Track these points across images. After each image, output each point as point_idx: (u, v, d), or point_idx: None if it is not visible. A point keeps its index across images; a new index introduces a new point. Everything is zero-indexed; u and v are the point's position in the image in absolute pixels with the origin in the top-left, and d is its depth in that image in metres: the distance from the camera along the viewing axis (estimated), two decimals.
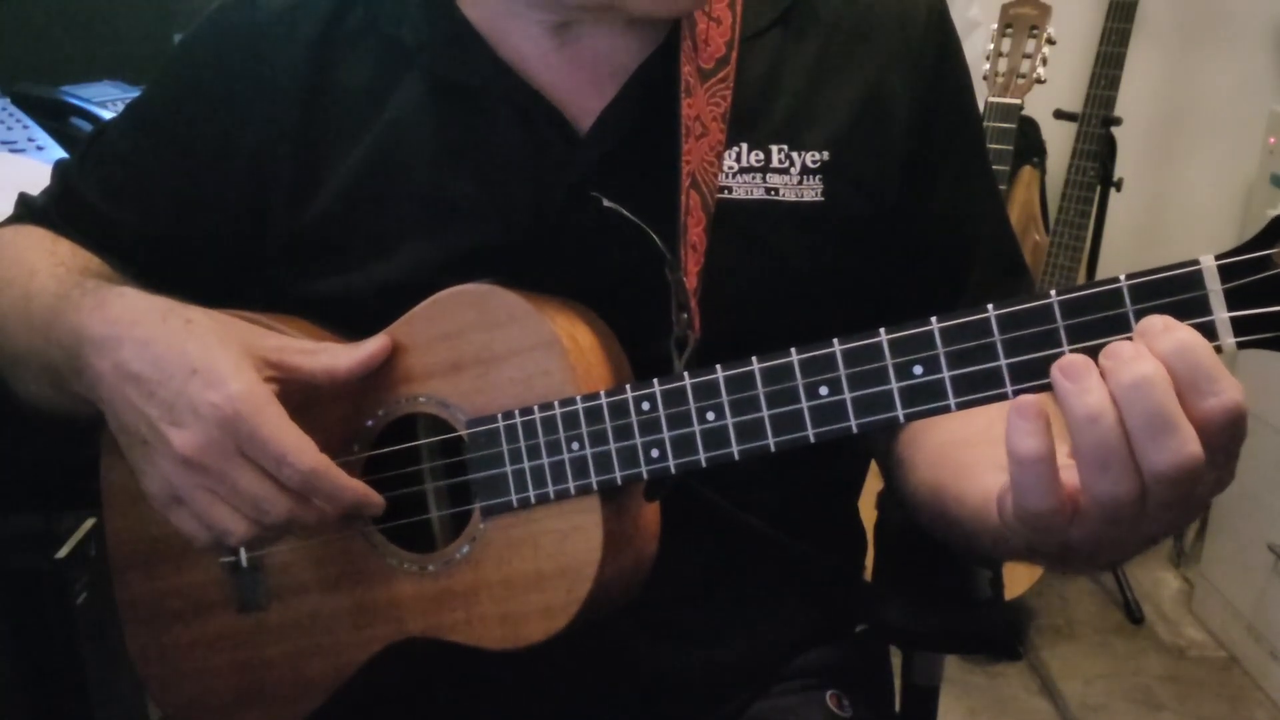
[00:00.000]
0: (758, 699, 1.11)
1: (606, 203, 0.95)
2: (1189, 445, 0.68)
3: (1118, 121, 2.78)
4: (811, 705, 1.11)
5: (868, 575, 1.28)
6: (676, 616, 1.05)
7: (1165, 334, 0.69)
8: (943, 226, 1.07)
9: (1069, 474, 0.72)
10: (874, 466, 1.21)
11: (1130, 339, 0.71)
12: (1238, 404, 0.69)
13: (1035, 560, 0.84)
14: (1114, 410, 0.69)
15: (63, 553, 1.51)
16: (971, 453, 0.94)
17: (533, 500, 0.92)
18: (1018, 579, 2.70)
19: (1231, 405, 0.69)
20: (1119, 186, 2.86)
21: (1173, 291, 0.71)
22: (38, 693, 1.54)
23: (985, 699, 2.65)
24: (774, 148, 1.00)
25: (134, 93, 2.07)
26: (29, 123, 1.87)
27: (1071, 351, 0.73)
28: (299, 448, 0.89)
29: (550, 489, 0.91)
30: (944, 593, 1.20)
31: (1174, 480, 0.69)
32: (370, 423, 0.98)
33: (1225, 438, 0.70)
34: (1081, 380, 0.70)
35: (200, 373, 0.89)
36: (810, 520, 1.11)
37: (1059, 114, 2.90)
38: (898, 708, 1.26)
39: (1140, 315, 0.72)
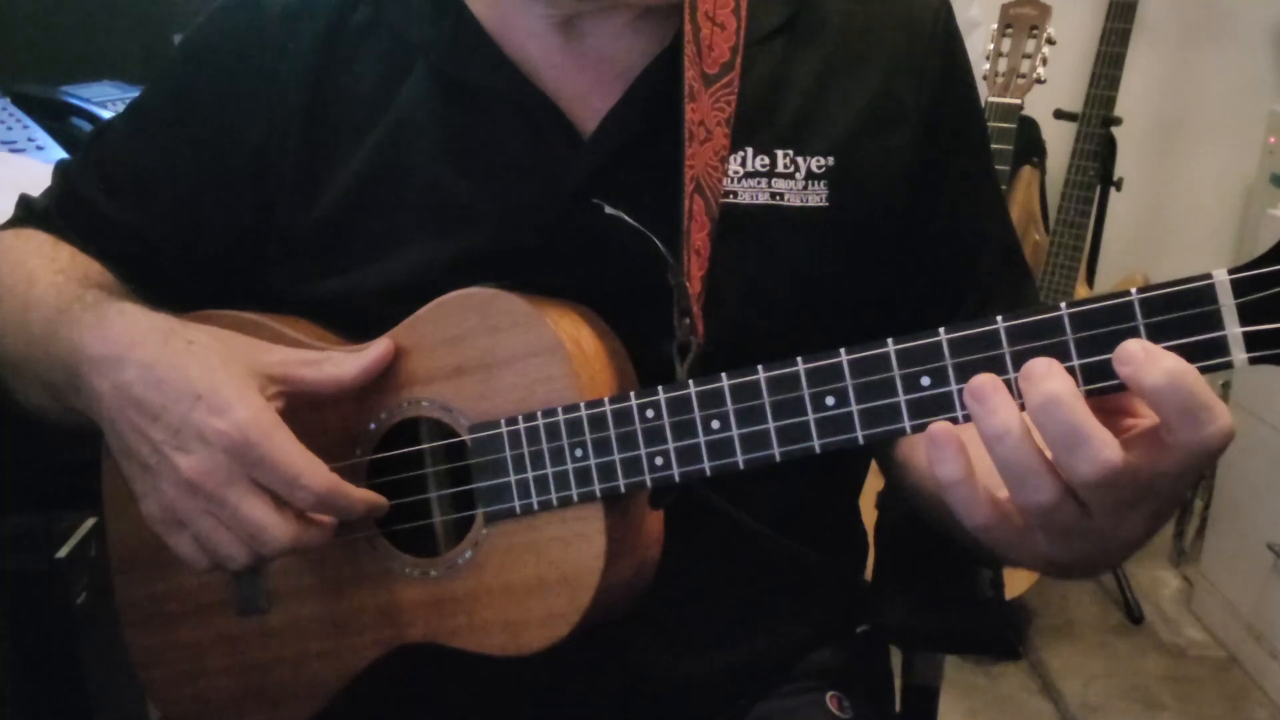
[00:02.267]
0: (759, 701, 1.11)
1: (609, 209, 0.94)
2: (1105, 451, 0.69)
3: (1118, 121, 2.78)
4: (812, 707, 1.11)
5: (868, 575, 1.28)
6: (678, 619, 1.05)
7: (1151, 363, 0.69)
8: (949, 231, 1.07)
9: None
10: (874, 466, 1.21)
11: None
12: (1230, 426, 0.70)
13: (1032, 568, 0.85)
14: (1019, 426, 0.71)
15: (63, 553, 1.50)
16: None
17: (536, 507, 0.92)
18: (1018, 579, 2.70)
19: (1227, 427, 0.70)
20: (1119, 186, 2.87)
21: (1185, 306, 0.70)
22: (38, 693, 1.53)
23: (985, 699, 2.65)
24: (779, 153, 1.00)
25: (134, 93, 2.07)
26: (29, 123, 1.87)
27: (1081, 365, 0.73)
28: (312, 470, 0.89)
29: (553, 496, 0.91)
30: (944, 593, 1.20)
31: (1102, 484, 0.70)
32: (373, 426, 0.98)
33: (1215, 453, 0.71)
34: (987, 402, 0.72)
35: (205, 398, 0.89)
36: (811, 521, 1.11)
37: (1059, 114, 2.90)
38: (898, 708, 1.26)
39: (1151, 329, 0.71)
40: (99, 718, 1.57)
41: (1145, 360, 0.69)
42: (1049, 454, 0.72)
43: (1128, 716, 2.62)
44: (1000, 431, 0.71)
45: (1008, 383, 0.74)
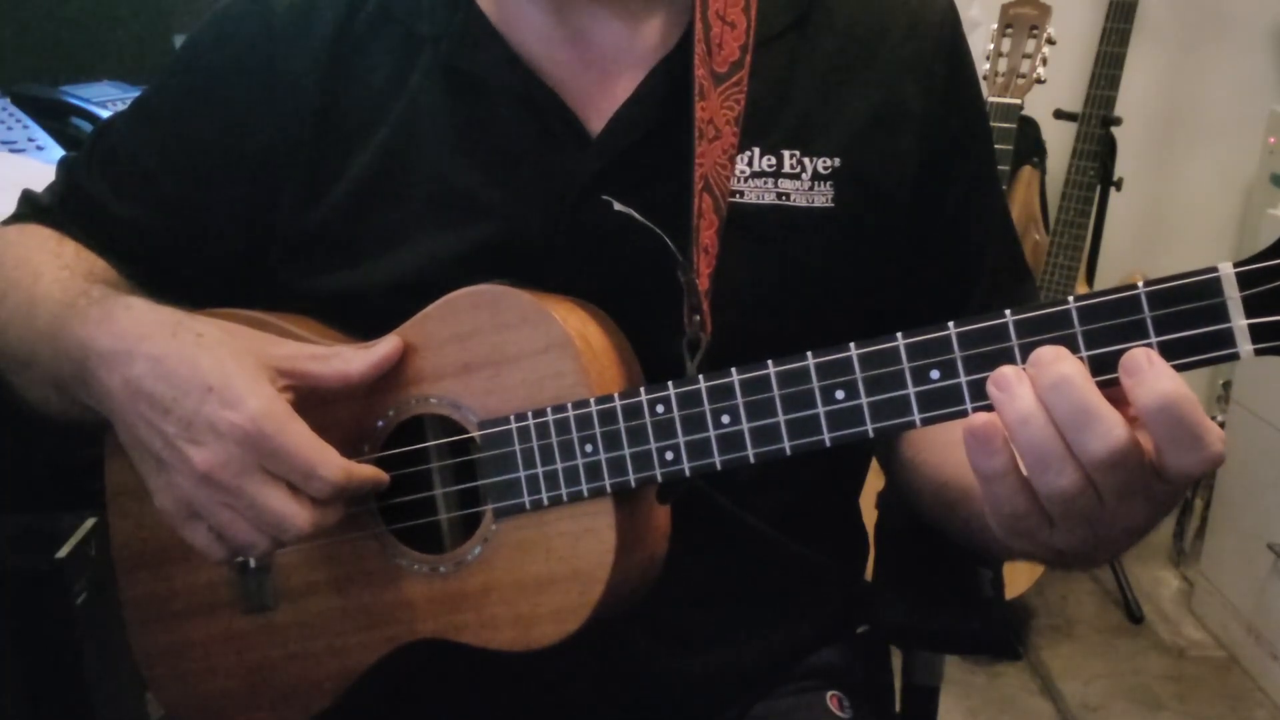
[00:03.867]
0: (759, 701, 1.11)
1: (618, 206, 0.95)
2: (1115, 429, 0.71)
3: (1118, 121, 2.78)
4: (813, 707, 1.11)
5: (868, 575, 1.28)
6: (679, 619, 1.05)
7: (1149, 381, 0.71)
8: (952, 232, 1.08)
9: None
10: (874, 466, 1.21)
11: (1146, 346, 0.73)
12: (1218, 454, 0.72)
13: (1036, 560, 0.86)
14: (1042, 412, 0.73)
15: (63, 553, 1.50)
16: None
17: (545, 502, 0.92)
18: (1018, 579, 2.70)
19: (1213, 457, 0.72)
20: (1119, 186, 2.87)
21: (1190, 298, 0.71)
22: (38, 693, 1.53)
23: (985, 699, 2.65)
24: (786, 153, 1.00)
25: (134, 93, 2.07)
26: (29, 123, 1.87)
27: (1089, 357, 0.74)
28: (326, 460, 0.89)
29: (563, 491, 0.91)
30: (944, 593, 1.20)
31: (1112, 465, 0.72)
32: (381, 423, 0.98)
33: (1199, 477, 0.74)
34: (1011, 389, 0.74)
35: (216, 390, 0.89)
36: (813, 520, 1.11)
37: (1059, 114, 2.90)
38: (898, 708, 1.26)
39: (1157, 322, 0.72)
40: (99, 718, 1.57)
41: (1146, 375, 0.71)
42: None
43: (1128, 716, 2.62)
44: (1025, 415, 0.73)
45: None
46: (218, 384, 0.89)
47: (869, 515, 1.24)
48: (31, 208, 1.16)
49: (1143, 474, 0.73)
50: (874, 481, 1.20)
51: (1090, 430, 0.72)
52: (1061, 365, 0.72)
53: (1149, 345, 0.72)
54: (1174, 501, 0.77)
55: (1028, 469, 0.74)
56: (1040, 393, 0.73)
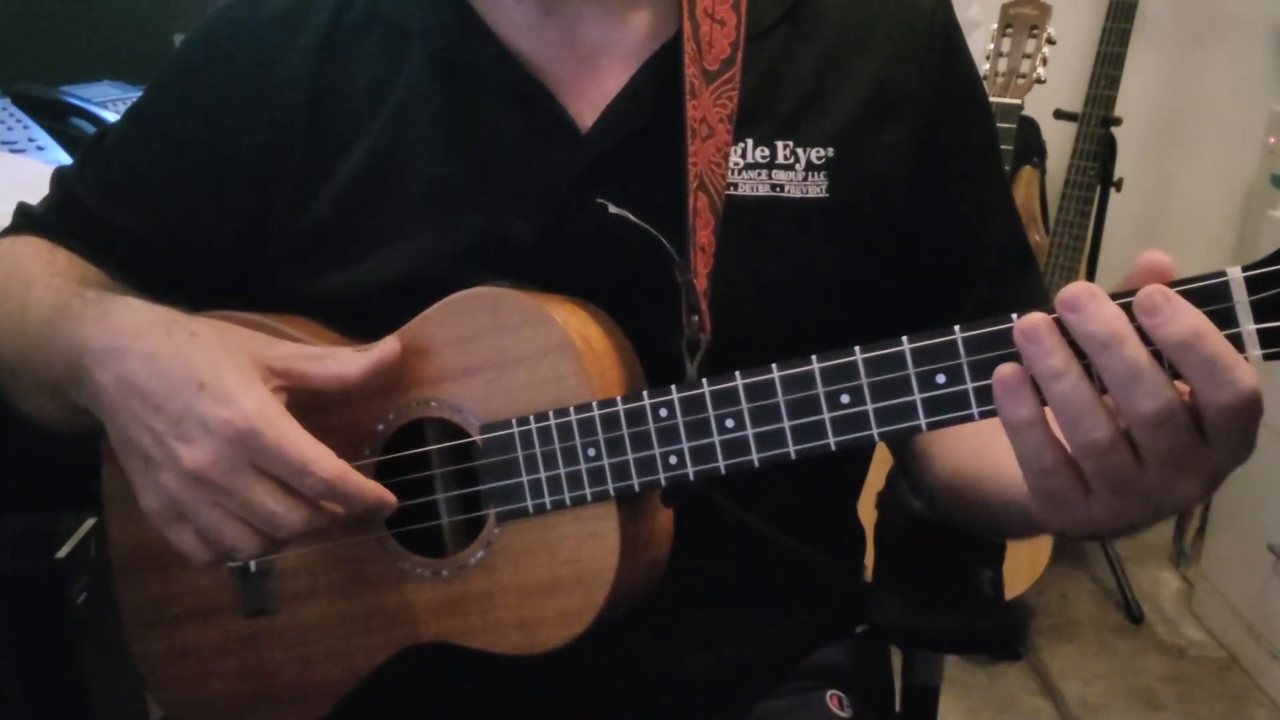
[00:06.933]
0: (759, 701, 1.11)
1: (613, 209, 0.94)
2: (1165, 389, 0.70)
3: (1118, 121, 2.78)
4: (812, 706, 1.11)
5: (868, 575, 1.28)
6: (679, 618, 1.05)
7: (1172, 316, 0.70)
8: (952, 222, 1.07)
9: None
10: (874, 465, 1.20)
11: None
12: (1250, 389, 0.70)
13: (1071, 536, 0.84)
14: (1076, 364, 0.72)
15: (63, 553, 1.51)
16: (987, 435, 0.94)
17: (548, 506, 0.91)
18: (1018, 579, 2.70)
19: (1247, 390, 0.70)
20: (1119, 186, 2.87)
21: (1199, 303, 0.71)
22: (38, 693, 1.53)
23: (985, 699, 2.65)
24: (779, 144, 1.00)
25: (134, 93, 2.07)
26: (29, 123, 1.87)
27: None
28: (319, 456, 0.88)
29: (566, 495, 0.91)
30: (944, 593, 1.20)
31: (1160, 424, 0.71)
32: (381, 427, 0.97)
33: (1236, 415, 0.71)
34: (1043, 342, 0.72)
35: (208, 387, 0.88)
36: (811, 521, 1.11)
37: (1059, 114, 2.90)
38: (898, 708, 1.26)
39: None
40: (99, 717, 1.57)
41: (1166, 312, 0.70)
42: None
43: (1128, 716, 2.62)
44: (1059, 370, 0.72)
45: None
46: (210, 381, 0.89)
47: (869, 515, 1.24)
48: (26, 219, 1.15)
49: (1189, 435, 0.71)
50: (874, 481, 1.20)
51: (1140, 387, 0.70)
52: (1111, 321, 0.71)
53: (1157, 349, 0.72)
54: (1220, 475, 0.75)
55: (1060, 423, 0.73)
56: (1088, 344, 0.71)
